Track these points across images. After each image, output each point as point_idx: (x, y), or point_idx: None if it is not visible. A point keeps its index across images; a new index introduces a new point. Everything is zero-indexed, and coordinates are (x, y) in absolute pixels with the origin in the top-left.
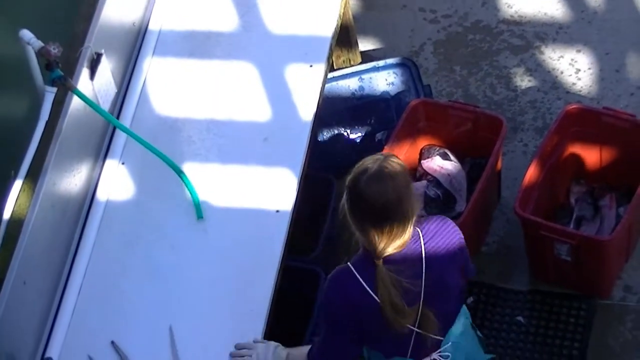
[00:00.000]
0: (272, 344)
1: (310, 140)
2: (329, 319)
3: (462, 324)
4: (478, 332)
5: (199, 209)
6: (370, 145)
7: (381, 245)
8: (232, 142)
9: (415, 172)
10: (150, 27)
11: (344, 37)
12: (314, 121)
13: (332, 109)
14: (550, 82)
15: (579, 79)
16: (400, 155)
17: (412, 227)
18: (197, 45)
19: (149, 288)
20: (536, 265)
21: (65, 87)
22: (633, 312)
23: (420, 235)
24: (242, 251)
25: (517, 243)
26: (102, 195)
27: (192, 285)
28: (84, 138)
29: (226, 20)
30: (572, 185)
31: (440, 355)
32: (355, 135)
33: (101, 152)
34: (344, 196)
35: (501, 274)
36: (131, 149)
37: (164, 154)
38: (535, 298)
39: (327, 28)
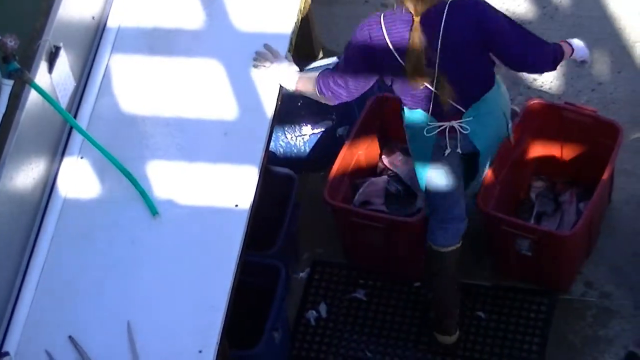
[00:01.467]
0: (286, 62)
1: (270, 135)
2: (349, 48)
3: (492, 108)
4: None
5: (152, 207)
6: (331, 141)
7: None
8: (191, 137)
9: (376, 168)
10: (110, 20)
11: (305, 32)
12: (274, 116)
13: (293, 103)
14: (512, 78)
15: (540, 74)
16: (361, 150)
17: None
18: (157, 39)
19: (108, 283)
20: (498, 260)
21: (22, 80)
22: (593, 307)
23: (447, 6)
24: (202, 246)
25: (480, 239)
26: (60, 189)
27: (151, 280)
28: (42, 131)
29: (186, 16)
30: (533, 180)
31: (460, 125)
32: (317, 131)
33: (60, 145)
34: None
35: (464, 270)
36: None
37: (110, 153)
38: (497, 293)
39: (288, 23)
